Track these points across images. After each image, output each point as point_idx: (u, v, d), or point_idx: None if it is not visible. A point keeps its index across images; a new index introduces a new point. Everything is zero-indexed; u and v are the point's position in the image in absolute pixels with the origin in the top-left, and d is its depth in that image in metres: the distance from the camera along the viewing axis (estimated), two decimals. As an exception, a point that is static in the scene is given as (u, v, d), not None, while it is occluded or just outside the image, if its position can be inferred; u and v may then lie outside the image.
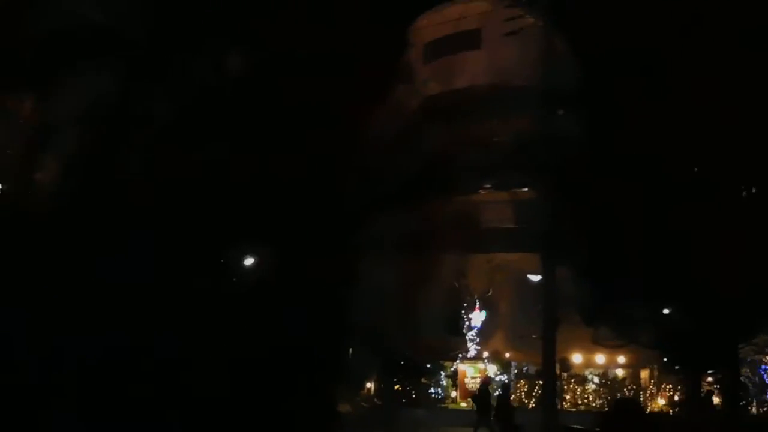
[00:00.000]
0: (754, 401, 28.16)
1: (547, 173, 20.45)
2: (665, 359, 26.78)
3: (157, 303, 11.07)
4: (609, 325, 21.39)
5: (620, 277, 18.67)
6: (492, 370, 33.91)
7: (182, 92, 12.37)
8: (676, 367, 26.15)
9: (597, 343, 24.58)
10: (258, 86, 13.71)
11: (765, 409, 28.32)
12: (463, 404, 33.80)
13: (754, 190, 19.09)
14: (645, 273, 18.45)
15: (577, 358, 31.56)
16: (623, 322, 20.14)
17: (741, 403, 22.09)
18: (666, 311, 20.31)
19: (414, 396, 33.42)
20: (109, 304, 10.72)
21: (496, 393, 27.43)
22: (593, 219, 19.25)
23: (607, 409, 27.26)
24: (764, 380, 28.70)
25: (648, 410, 29.74)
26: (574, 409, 31.21)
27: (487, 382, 28.27)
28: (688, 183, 18.23)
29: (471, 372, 34.99)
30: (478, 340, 34.74)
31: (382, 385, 32.77)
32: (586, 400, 32.35)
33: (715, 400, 24.39)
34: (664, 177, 18.47)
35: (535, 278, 24.55)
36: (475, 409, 25.95)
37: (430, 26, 32.02)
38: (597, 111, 19.28)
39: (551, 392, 22.08)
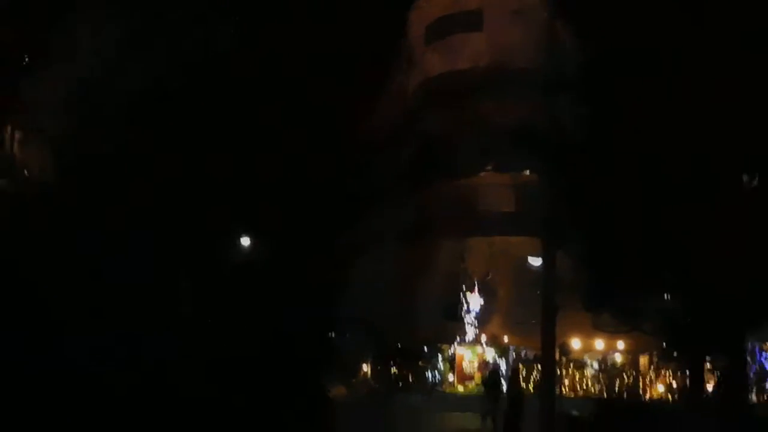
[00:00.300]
0: (754, 389, 27.97)
1: (549, 156, 20.11)
2: (665, 345, 26.56)
3: (155, 302, 10.94)
4: (610, 311, 21.12)
5: (622, 261, 18.40)
6: (490, 354, 33.76)
7: (181, 91, 12.20)
8: (675, 354, 25.97)
9: (598, 328, 24.34)
10: (256, 78, 13.49)
11: (765, 397, 28.16)
12: (460, 388, 33.69)
13: (759, 179, 18.80)
14: (647, 257, 18.20)
15: (576, 343, 31.38)
16: (625, 307, 19.86)
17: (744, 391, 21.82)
18: (668, 296, 20.05)
19: (411, 380, 33.27)
20: (106, 304, 10.75)
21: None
22: (595, 202, 18.96)
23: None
24: (765, 368, 28.53)
25: (647, 396, 29.71)
26: (572, 395, 31.06)
27: (496, 367, 28.16)
28: (693, 166, 17.91)
29: (469, 356, 34.84)
30: (476, 324, 34.57)
31: (379, 369, 32.65)
32: (584, 386, 32.20)
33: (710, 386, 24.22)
34: (669, 160, 18.18)
35: (536, 262, 24.27)
36: (484, 394, 25.80)
37: (431, 7, 31.67)
38: (600, 95, 18.96)
39: (550, 378, 21.81)
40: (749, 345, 25.94)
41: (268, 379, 12.04)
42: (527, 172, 28.40)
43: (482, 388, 27.00)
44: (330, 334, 17.48)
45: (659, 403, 28.61)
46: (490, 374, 27.22)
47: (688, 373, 24.62)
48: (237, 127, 13.00)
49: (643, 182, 18.04)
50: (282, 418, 12.11)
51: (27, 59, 20.18)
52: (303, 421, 12.48)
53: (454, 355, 34.77)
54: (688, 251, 17.62)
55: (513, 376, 25.74)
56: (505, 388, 25.42)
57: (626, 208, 18.08)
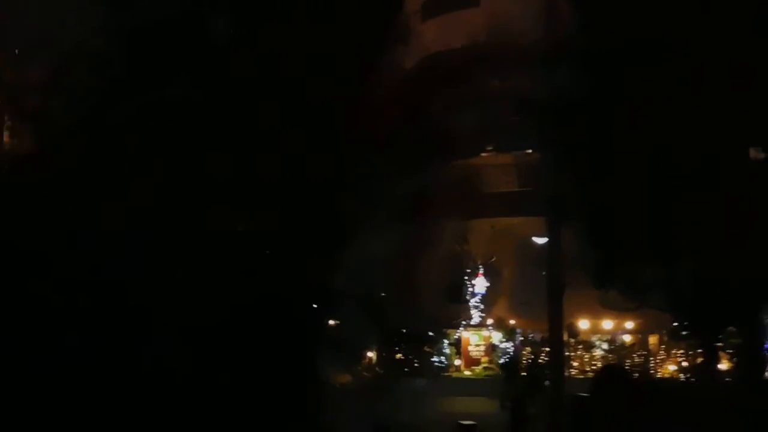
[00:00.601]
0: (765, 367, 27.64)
1: (552, 134, 19.78)
2: (675, 324, 26.29)
3: (153, 300, 10.76)
4: (618, 287, 20.80)
5: (630, 237, 18.03)
6: (496, 337, 33.65)
7: (181, 89, 12.08)
8: (684, 333, 25.73)
9: (607, 306, 24.12)
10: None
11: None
12: (467, 372, 33.56)
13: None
14: (655, 232, 17.83)
15: (584, 323, 31.19)
16: (633, 282, 19.53)
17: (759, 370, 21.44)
18: (678, 272, 19.71)
19: (416, 365, 33.03)
20: (104, 302, 10.52)
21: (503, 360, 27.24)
22: (600, 178, 18.61)
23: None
24: (776, 345, 28.15)
25: (658, 375, 29.43)
26: (581, 376, 30.78)
27: (517, 351, 28.13)
28: (702, 138, 17.51)
29: (475, 339, 34.75)
30: (481, 306, 34.47)
31: (384, 354, 32.41)
32: (593, 367, 31.96)
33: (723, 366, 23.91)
34: (675, 133, 17.81)
35: (540, 241, 23.98)
36: (503, 376, 25.82)
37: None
38: (602, 69, 18.57)
39: (559, 360, 21.52)
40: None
41: (268, 375, 11.85)
42: (529, 151, 28.12)
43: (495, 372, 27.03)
44: (332, 322, 17.32)
45: (669, 381, 28.35)
46: (509, 359, 27.23)
47: (699, 352, 24.38)
48: (236, 126, 12.75)
49: (649, 154, 17.72)
50: (282, 417, 11.94)
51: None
52: (304, 420, 12.32)
53: (459, 339, 34.65)
54: (697, 225, 17.29)
55: (533, 362, 25.67)
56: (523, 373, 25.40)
57: (631, 182, 17.76)
